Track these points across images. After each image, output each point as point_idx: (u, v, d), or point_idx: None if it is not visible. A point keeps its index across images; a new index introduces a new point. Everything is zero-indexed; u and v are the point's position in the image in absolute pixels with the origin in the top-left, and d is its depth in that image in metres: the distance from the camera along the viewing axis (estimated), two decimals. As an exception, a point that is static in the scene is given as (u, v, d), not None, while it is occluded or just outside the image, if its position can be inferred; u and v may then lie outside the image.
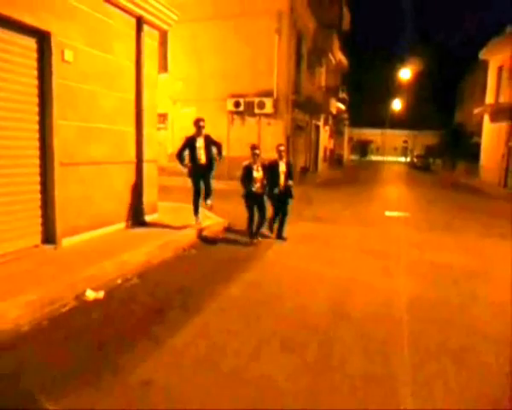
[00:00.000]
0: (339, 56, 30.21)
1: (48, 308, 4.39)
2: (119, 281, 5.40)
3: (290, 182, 7.95)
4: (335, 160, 34.53)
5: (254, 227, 7.61)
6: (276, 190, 7.78)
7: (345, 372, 3.48)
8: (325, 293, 5.30)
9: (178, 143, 8.16)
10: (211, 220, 8.66)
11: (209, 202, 8.10)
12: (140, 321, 4.34)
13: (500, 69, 24.60)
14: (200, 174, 7.79)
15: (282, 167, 7.93)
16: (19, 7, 5.23)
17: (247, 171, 7.51)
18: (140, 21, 7.53)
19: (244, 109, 18.74)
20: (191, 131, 7.86)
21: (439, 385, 3.34)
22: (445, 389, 3.29)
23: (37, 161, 5.83)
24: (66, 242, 6.17)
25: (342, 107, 32.15)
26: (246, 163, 7.57)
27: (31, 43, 5.62)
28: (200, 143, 7.65)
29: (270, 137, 18.41)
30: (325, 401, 3.10)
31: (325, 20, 24.35)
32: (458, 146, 36.60)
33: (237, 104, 18.75)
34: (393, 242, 8.43)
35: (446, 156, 40.33)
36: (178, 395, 3.11)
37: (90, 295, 4.82)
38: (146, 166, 8.03)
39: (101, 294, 4.89)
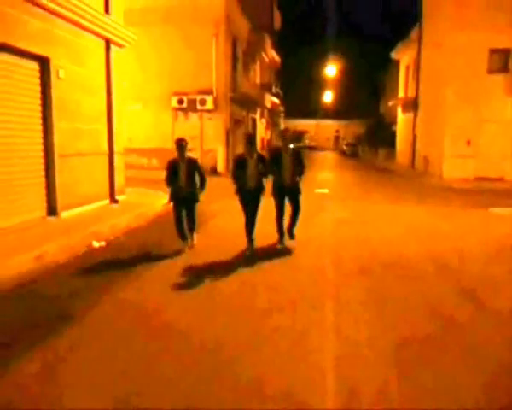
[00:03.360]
0: (271, 54, 32.99)
1: (70, 252, 6.51)
2: (112, 237, 7.57)
3: (298, 178, 6.95)
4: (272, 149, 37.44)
5: (250, 230, 6.80)
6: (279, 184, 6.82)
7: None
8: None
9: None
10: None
11: (194, 240, 7.03)
12: (136, 256, 6.60)
13: (408, 68, 28.58)
14: (182, 203, 6.77)
15: (288, 158, 6.81)
16: (28, 40, 7.19)
17: (240, 163, 6.69)
18: (108, 42, 9.57)
19: (187, 106, 20.80)
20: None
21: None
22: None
23: (41, 154, 7.81)
24: (63, 214, 8.19)
25: (276, 101, 35.05)
26: (238, 154, 6.90)
27: (35, 66, 7.58)
28: (182, 167, 6.63)
29: (211, 130, 20.82)
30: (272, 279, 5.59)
31: (257, 22, 26.90)
32: (380, 134, 41.00)
33: (181, 101, 20.78)
34: (316, 208, 11.21)
35: (371, 144, 44.75)
36: (172, 281, 5.46)
37: (96, 244, 6.98)
38: (116, 157, 10.11)
39: (103, 243, 7.07)
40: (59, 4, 7.53)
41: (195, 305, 4.73)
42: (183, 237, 6.88)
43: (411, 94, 26.88)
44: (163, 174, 6.87)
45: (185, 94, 20.72)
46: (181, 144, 6.61)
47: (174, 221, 6.82)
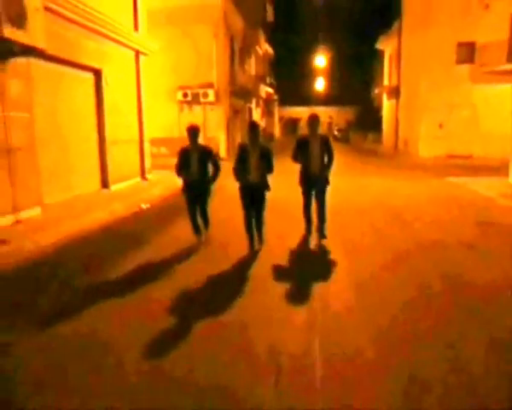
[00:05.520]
0: (265, 47, 35.40)
1: (128, 210, 9.13)
2: (153, 202, 10.18)
3: (326, 167, 6.57)
4: (267, 137, 39.97)
5: (252, 230, 6.22)
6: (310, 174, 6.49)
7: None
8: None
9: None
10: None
11: (204, 235, 6.68)
12: (173, 213, 9.21)
13: (391, 58, 31.06)
14: (193, 195, 6.45)
15: (316, 146, 6.38)
16: (88, 57, 9.73)
17: (242, 155, 5.99)
18: (137, 53, 12.10)
19: (191, 99, 23.26)
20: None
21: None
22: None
23: (97, 142, 10.40)
24: (113, 187, 10.81)
25: (270, 90, 37.54)
26: (241, 144, 6.57)
27: (90, 76, 10.12)
28: (194, 157, 6.22)
29: (213, 120, 23.36)
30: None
31: (251, 18, 29.29)
32: (369, 120, 43.60)
33: (185, 95, 23.23)
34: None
35: (360, 129, 47.32)
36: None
37: (144, 206, 9.61)
38: (145, 144, 12.69)
39: (148, 205, 9.69)
40: (107, 28, 10.05)
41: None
42: (196, 230, 6.66)
43: (394, 82, 29.40)
44: (172, 160, 6.78)
45: (189, 88, 23.16)
46: (193, 132, 6.18)
47: (188, 215, 6.60)
